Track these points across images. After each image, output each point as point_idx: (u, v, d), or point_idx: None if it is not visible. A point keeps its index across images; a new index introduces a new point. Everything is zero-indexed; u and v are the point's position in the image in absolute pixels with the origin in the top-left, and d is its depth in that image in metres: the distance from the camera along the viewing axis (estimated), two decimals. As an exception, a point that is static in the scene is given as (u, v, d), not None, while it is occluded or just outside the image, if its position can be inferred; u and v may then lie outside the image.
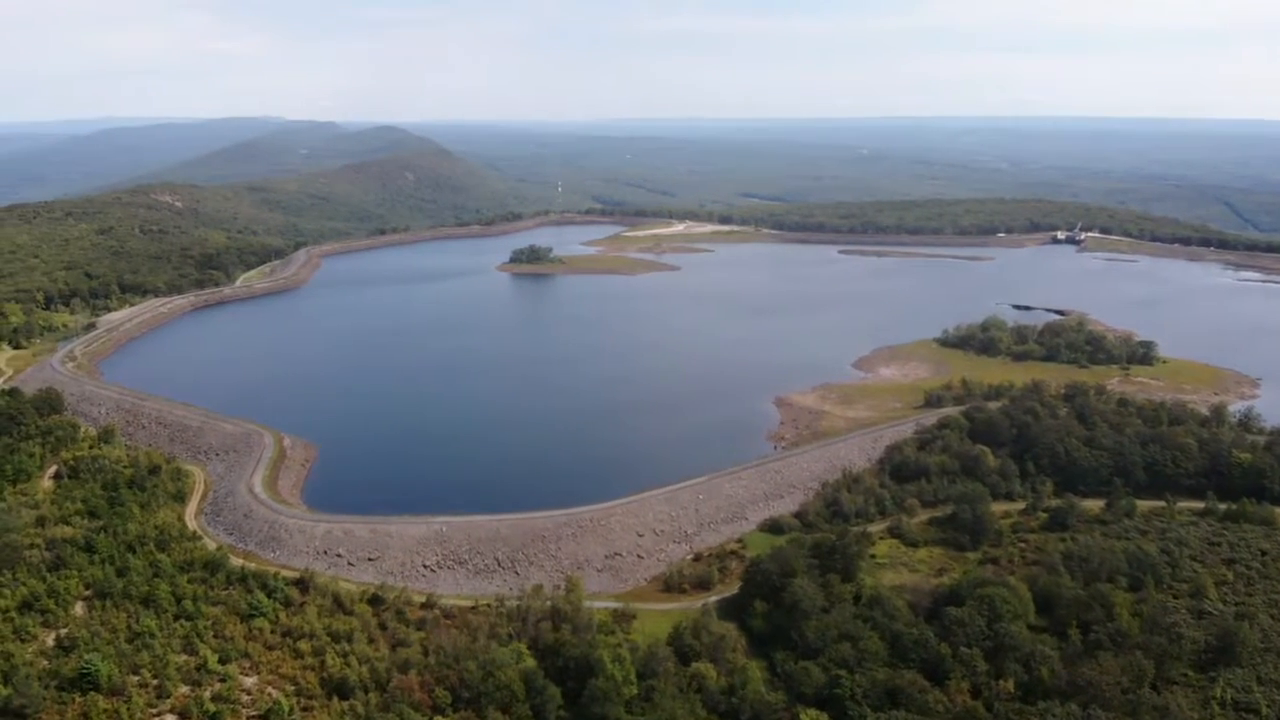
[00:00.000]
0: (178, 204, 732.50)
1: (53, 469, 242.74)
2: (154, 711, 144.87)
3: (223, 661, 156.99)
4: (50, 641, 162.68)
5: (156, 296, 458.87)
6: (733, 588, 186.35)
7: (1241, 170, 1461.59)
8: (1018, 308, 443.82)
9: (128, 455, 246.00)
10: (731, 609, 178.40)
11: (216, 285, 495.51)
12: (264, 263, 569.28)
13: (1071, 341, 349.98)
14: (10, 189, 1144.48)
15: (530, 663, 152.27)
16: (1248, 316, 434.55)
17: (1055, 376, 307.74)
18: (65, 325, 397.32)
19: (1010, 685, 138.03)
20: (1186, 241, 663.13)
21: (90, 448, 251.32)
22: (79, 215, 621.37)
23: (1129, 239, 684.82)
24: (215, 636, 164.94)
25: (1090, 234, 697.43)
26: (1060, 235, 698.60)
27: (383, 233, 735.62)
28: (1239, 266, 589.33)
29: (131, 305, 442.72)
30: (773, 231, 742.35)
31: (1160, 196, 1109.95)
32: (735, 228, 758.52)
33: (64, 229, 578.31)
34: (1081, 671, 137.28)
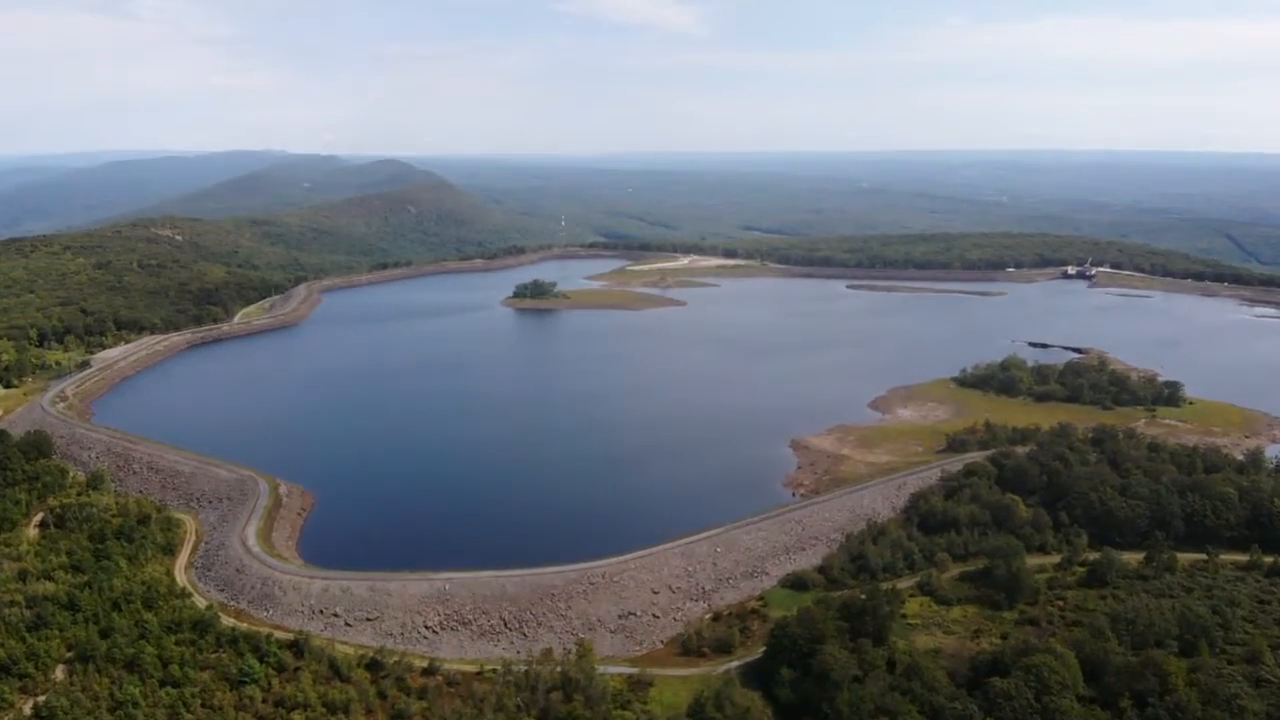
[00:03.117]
0: (178, 237, 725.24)
1: (39, 516, 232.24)
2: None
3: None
4: (28, 710, 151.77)
5: (153, 333, 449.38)
6: (755, 651, 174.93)
7: (1243, 203, 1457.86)
8: (1034, 345, 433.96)
9: (117, 503, 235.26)
10: (755, 675, 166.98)
11: (215, 321, 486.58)
12: (264, 298, 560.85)
13: (1095, 382, 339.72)
14: (13, 222, 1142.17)
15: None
16: (1270, 355, 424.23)
17: (1079, 418, 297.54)
18: (59, 363, 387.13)
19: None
20: (1199, 276, 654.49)
21: (78, 494, 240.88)
22: (77, 249, 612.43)
23: (1141, 274, 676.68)
24: (203, 706, 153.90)
25: (1101, 269, 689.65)
26: (1071, 270, 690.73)
27: (385, 267, 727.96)
28: (1254, 302, 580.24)
29: (127, 342, 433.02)
30: (778, 265, 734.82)
31: (1162, 229, 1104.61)
32: (740, 261, 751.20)
33: (61, 263, 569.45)
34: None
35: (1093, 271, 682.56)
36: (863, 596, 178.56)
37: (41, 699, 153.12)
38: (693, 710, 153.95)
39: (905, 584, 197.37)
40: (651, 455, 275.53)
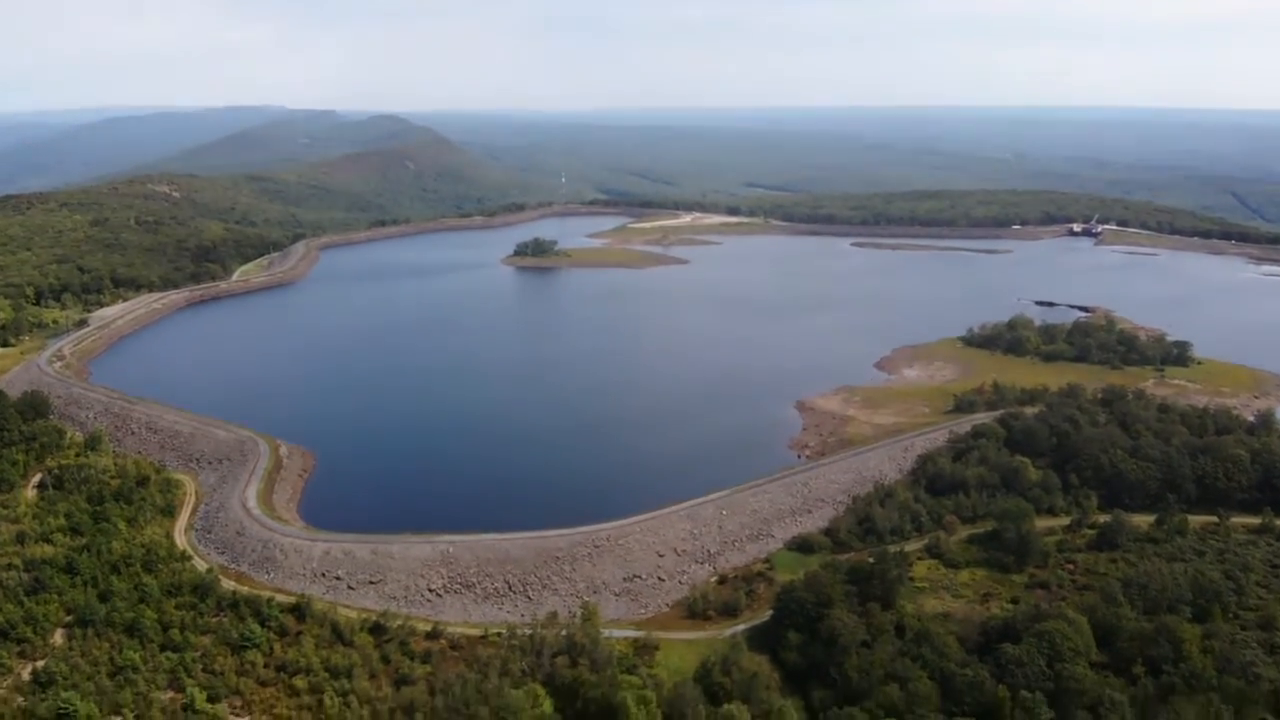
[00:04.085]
0: (175, 194, 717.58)
1: (37, 478, 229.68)
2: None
3: (212, 700, 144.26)
4: (26, 675, 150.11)
5: (151, 291, 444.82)
6: (762, 614, 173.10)
7: (1249, 160, 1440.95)
8: (1041, 304, 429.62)
9: (115, 464, 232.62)
10: (761, 638, 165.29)
11: (213, 279, 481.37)
12: (262, 255, 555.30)
13: (1103, 341, 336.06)
14: (9, 179, 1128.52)
15: (547, 707, 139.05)
16: (1279, 314, 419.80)
17: (1087, 378, 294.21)
18: (56, 322, 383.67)
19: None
20: (1206, 235, 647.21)
21: (76, 455, 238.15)
22: (74, 206, 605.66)
23: (1147, 232, 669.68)
24: (204, 670, 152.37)
25: (1107, 226, 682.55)
26: (1077, 228, 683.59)
27: (383, 224, 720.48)
28: (1261, 260, 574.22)
29: (125, 300, 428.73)
30: (781, 223, 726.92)
31: (1167, 186, 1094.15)
32: (743, 219, 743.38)
33: (58, 220, 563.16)
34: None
35: (1098, 229, 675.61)
36: (870, 560, 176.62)
37: (40, 664, 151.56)
38: (699, 674, 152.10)
39: (913, 547, 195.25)
40: (655, 417, 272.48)
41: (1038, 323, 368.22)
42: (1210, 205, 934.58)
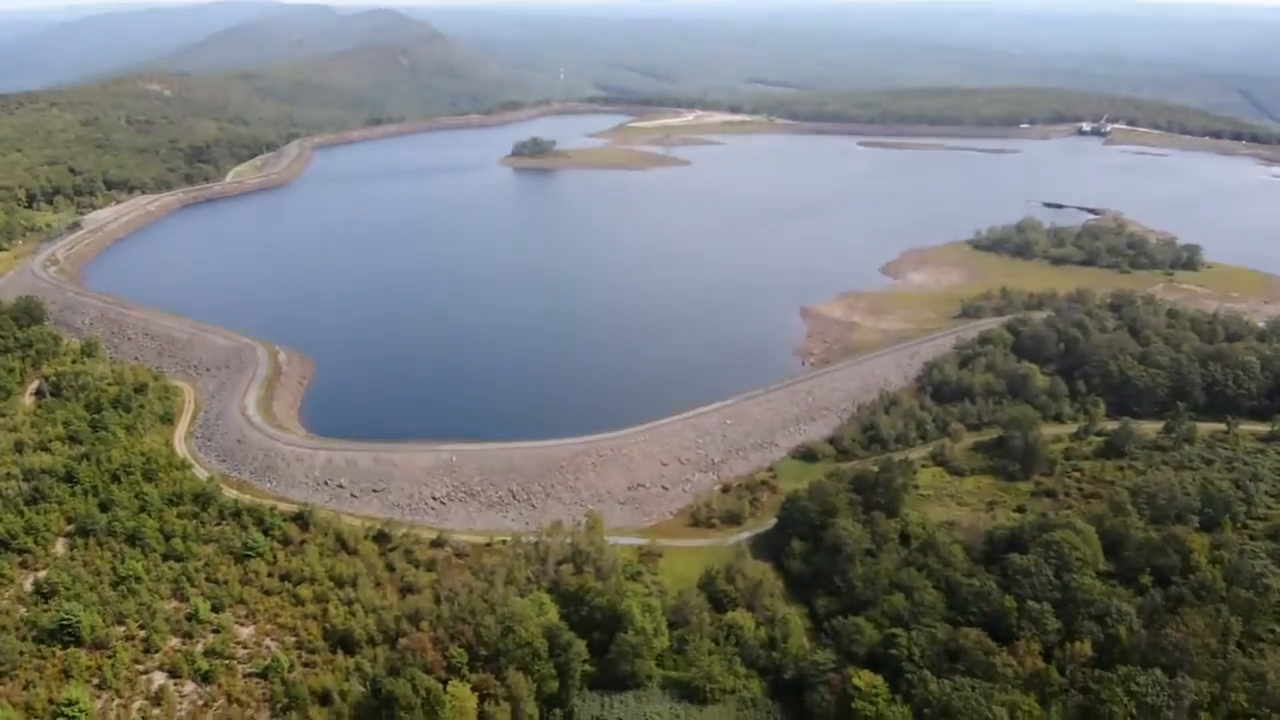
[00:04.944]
0: (166, 93, 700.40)
1: (34, 385, 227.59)
2: (140, 668, 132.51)
3: (215, 609, 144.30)
4: (28, 586, 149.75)
5: (144, 193, 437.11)
6: (765, 522, 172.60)
7: (1259, 58, 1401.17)
8: (1049, 206, 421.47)
9: (112, 371, 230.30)
10: (765, 547, 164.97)
11: (206, 180, 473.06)
12: (255, 155, 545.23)
13: (1112, 245, 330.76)
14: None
15: (552, 614, 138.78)
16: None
17: (1096, 282, 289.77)
18: (49, 225, 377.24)
19: (1087, 648, 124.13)
20: (1217, 135, 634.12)
21: (73, 362, 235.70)
22: (64, 105, 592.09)
23: (1157, 131, 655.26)
24: (207, 580, 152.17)
25: (1116, 126, 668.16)
26: (1086, 127, 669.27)
27: (378, 122, 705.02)
28: (1272, 162, 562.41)
29: (118, 203, 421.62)
30: (786, 121, 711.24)
31: (1176, 84, 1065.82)
32: (746, 118, 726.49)
33: (48, 120, 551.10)
34: (1166, 633, 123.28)
35: (1108, 129, 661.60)
36: (875, 468, 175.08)
37: (42, 574, 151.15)
38: (703, 582, 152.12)
39: (917, 454, 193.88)
40: (658, 324, 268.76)
41: (1046, 225, 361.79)
42: (1219, 104, 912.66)
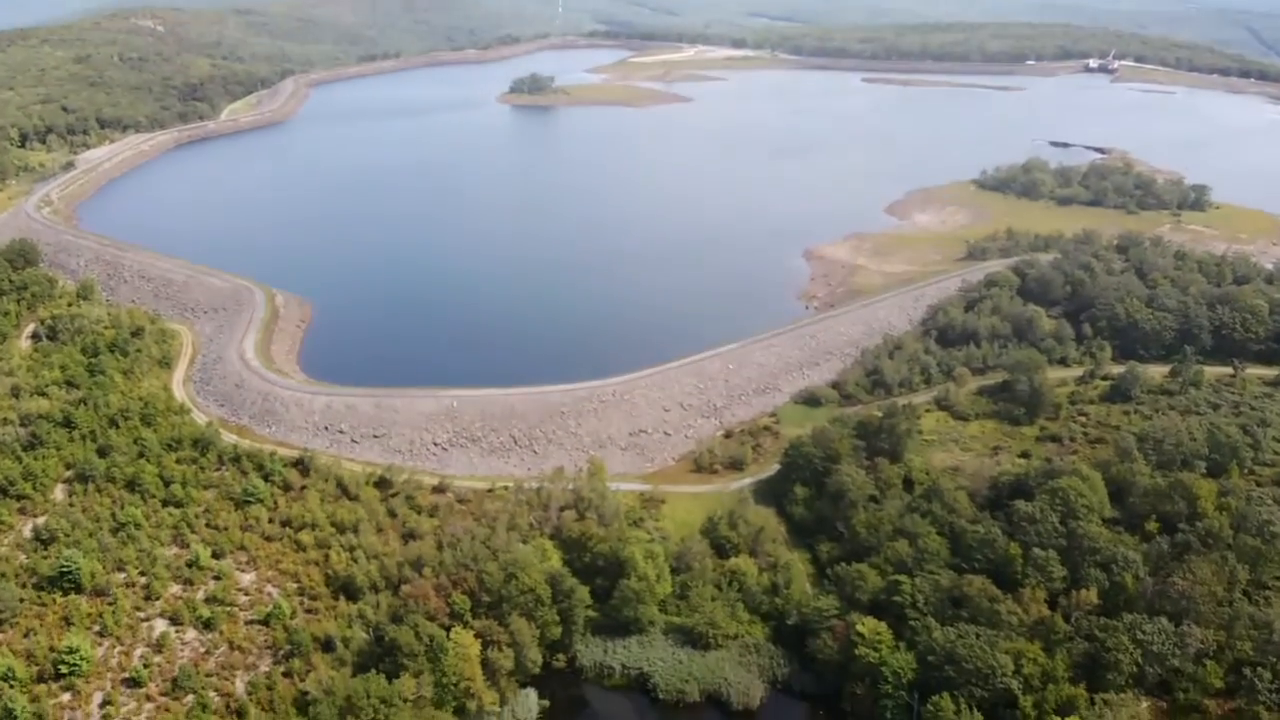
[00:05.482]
0: (159, 28, 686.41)
1: (30, 328, 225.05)
2: (141, 615, 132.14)
3: (216, 556, 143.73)
4: (27, 532, 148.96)
5: (138, 132, 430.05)
6: (768, 467, 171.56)
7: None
8: (1055, 145, 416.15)
9: (109, 314, 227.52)
10: (768, 492, 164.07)
11: (201, 119, 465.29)
12: (250, 93, 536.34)
13: (1119, 185, 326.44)
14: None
15: (555, 561, 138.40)
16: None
17: (1103, 223, 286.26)
18: (42, 165, 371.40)
19: (1093, 596, 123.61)
20: (1225, 72, 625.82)
21: (69, 305, 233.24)
22: (55, 42, 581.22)
23: (1164, 69, 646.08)
24: (208, 526, 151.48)
25: (1124, 62, 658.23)
26: (1092, 64, 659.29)
27: (374, 58, 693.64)
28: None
29: (112, 142, 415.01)
30: (789, 57, 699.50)
31: (1182, 19, 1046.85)
32: (749, 53, 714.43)
33: (40, 57, 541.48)
34: (1172, 581, 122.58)
35: (1115, 65, 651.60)
36: (879, 414, 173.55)
37: (41, 520, 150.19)
38: (706, 528, 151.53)
39: (921, 399, 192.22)
40: (659, 268, 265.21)
41: (1053, 165, 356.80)
42: (1226, 39, 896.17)
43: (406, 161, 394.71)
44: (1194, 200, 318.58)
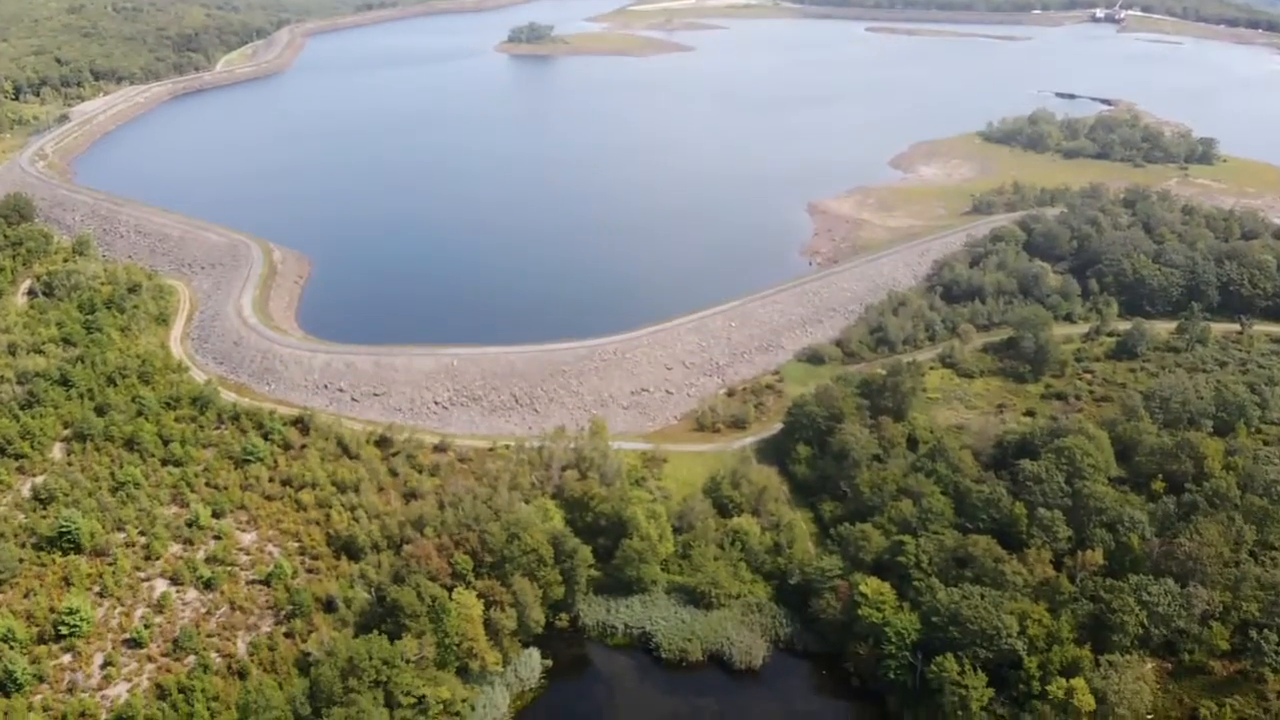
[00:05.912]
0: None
1: (25, 284, 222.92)
2: (142, 575, 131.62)
3: (216, 515, 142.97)
4: (26, 492, 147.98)
5: (132, 84, 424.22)
6: (770, 426, 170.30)
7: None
8: (1062, 96, 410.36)
9: (105, 270, 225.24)
10: (770, 450, 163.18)
11: (196, 70, 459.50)
12: (246, 43, 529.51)
13: (1126, 138, 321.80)
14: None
15: (557, 520, 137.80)
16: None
17: (1109, 176, 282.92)
18: (36, 118, 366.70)
19: (1098, 556, 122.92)
20: (1233, 23, 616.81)
21: (65, 261, 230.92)
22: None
23: (1172, 19, 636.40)
24: (207, 485, 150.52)
25: (1131, 12, 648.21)
26: (1099, 13, 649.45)
27: (370, 7, 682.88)
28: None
29: (106, 94, 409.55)
30: (792, 5, 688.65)
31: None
32: (752, 1, 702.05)
33: (32, 7, 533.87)
34: (1178, 542, 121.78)
35: (1122, 15, 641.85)
36: (882, 372, 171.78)
37: (39, 480, 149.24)
38: (708, 487, 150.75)
39: (925, 356, 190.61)
40: (662, 222, 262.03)
41: (1059, 116, 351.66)
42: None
43: (403, 113, 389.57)
44: (1201, 153, 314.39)
